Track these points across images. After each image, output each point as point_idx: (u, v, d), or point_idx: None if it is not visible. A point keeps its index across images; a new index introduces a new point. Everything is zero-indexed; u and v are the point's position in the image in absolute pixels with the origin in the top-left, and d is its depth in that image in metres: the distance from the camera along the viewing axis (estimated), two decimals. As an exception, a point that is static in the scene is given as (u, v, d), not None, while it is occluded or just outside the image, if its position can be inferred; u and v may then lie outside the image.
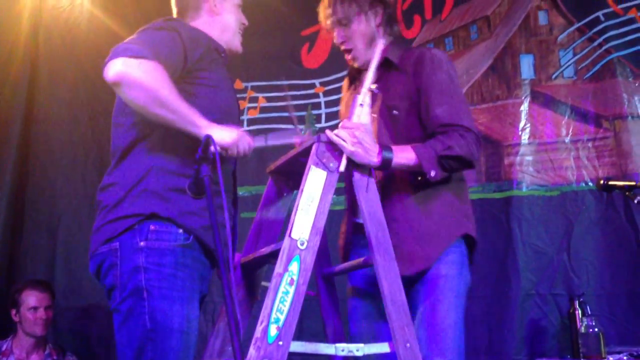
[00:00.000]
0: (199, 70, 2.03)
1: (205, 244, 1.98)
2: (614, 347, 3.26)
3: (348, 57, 2.34)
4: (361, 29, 2.28)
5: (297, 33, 4.17)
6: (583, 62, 3.78)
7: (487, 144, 3.79)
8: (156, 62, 1.87)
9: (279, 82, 4.10)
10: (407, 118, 2.19)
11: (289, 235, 1.83)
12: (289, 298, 1.78)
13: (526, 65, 3.86)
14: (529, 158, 3.75)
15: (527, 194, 3.72)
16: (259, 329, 1.76)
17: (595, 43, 3.76)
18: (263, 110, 4.16)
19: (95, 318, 3.93)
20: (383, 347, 1.91)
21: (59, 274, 4.04)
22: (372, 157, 2.00)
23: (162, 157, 1.98)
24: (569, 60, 3.81)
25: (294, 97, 4.10)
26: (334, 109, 3.99)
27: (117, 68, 1.85)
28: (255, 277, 2.24)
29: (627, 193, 2.59)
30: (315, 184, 1.89)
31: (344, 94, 2.53)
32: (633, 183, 2.62)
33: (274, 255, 1.89)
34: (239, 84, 4.12)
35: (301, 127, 4.07)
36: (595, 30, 3.77)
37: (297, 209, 1.86)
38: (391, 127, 2.18)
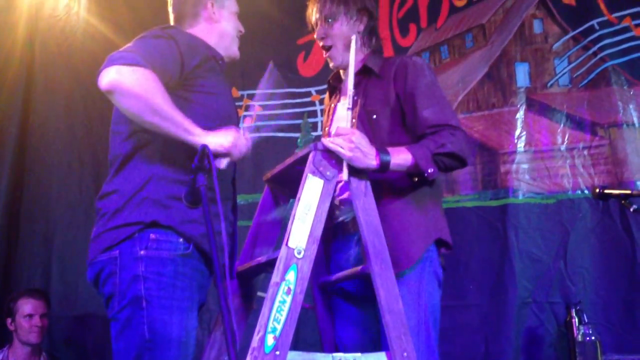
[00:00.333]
0: (197, 78, 2.03)
1: (205, 252, 1.98)
2: (610, 355, 3.26)
3: (326, 55, 2.38)
4: (343, 30, 2.31)
5: (293, 42, 4.18)
6: (578, 70, 3.79)
7: (483, 152, 3.80)
8: (150, 70, 1.87)
9: (275, 91, 4.11)
10: (386, 123, 2.22)
11: (286, 244, 1.83)
12: (285, 307, 1.78)
13: (522, 74, 3.87)
14: (525, 166, 3.76)
15: (523, 201, 3.72)
16: (255, 338, 1.76)
17: (590, 51, 3.78)
18: (259, 118, 4.16)
19: (91, 327, 3.91)
20: (380, 357, 1.90)
21: (55, 283, 4.03)
22: (371, 160, 2.02)
23: (161, 165, 1.97)
24: (564, 69, 3.82)
25: (291, 106, 4.11)
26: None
27: (110, 76, 1.85)
28: (252, 285, 2.23)
29: (622, 201, 2.60)
30: (312, 193, 1.89)
31: (326, 105, 2.55)
32: (629, 191, 2.63)
33: (271, 264, 1.89)
34: (235, 93, 4.12)
35: (297, 135, 4.08)
36: (590, 38, 3.79)
37: (293, 218, 1.85)
38: (370, 132, 2.20)
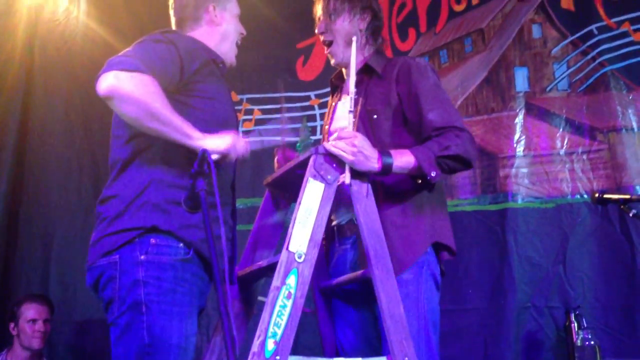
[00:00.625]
0: (196, 82, 2.02)
1: (205, 257, 1.97)
2: (610, 360, 3.27)
3: (327, 51, 2.38)
4: (345, 26, 2.31)
5: (293, 46, 4.19)
6: (577, 75, 3.80)
7: (482, 156, 3.80)
8: (149, 75, 1.87)
9: (274, 94, 4.11)
10: (387, 123, 2.21)
11: (287, 248, 1.82)
12: (286, 312, 1.78)
13: (520, 78, 3.88)
14: (524, 170, 3.76)
15: (523, 206, 3.73)
16: (256, 343, 1.75)
17: (589, 56, 3.79)
18: (258, 122, 4.17)
19: (90, 332, 3.90)
20: (381, 361, 1.90)
21: (54, 287, 4.02)
22: (373, 163, 2.01)
23: (161, 169, 1.97)
24: (563, 73, 3.83)
25: (289, 110, 4.11)
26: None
27: (108, 81, 1.85)
28: (252, 290, 2.22)
29: (622, 206, 2.60)
30: (312, 196, 1.88)
31: (329, 104, 2.55)
32: (628, 196, 2.63)
33: (271, 268, 1.88)
34: (234, 96, 4.12)
35: (296, 139, 4.08)
36: (588, 43, 3.80)
37: (294, 222, 1.85)
38: (371, 132, 2.20)
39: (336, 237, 2.31)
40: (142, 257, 1.91)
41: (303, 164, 1.97)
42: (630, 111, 3.68)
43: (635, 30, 3.74)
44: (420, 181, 2.13)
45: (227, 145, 1.93)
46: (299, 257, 1.82)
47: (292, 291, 1.79)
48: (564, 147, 3.74)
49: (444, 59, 4.04)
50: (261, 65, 4.13)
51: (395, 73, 2.25)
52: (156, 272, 1.90)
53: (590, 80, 3.77)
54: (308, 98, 4.15)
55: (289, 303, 1.78)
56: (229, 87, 2.21)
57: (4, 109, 4.19)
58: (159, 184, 1.96)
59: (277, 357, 1.75)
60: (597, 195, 2.60)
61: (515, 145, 3.80)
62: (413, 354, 1.86)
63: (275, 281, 1.80)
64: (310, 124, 4.12)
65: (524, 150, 3.79)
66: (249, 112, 4.20)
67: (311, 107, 4.14)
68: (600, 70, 3.75)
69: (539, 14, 3.90)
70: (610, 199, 2.59)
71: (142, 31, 2.24)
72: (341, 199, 2.00)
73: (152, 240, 1.92)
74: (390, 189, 2.17)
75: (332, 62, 2.39)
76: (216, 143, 1.90)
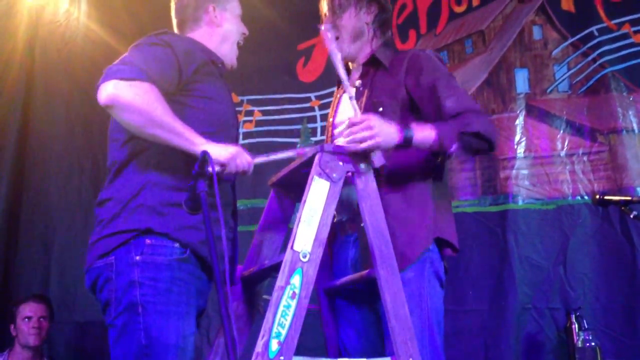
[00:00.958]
0: (195, 83, 2.02)
1: (203, 257, 1.97)
2: (610, 361, 3.27)
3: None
4: (351, 21, 2.30)
5: (293, 47, 4.19)
6: (577, 76, 3.80)
7: (482, 158, 3.80)
8: (148, 82, 1.87)
9: (275, 96, 4.11)
10: (394, 117, 2.17)
11: (291, 248, 1.81)
12: (290, 312, 1.77)
13: (521, 80, 3.88)
14: (525, 172, 3.77)
15: (523, 207, 3.73)
16: (260, 343, 1.74)
17: (590, 58, 3.80)
18: (259, 123, 4.16)
19: (91, 332, 3.90)
20: (385, 362, 1.89)
21: (54, 288, 4.02)
22: (394, 136, 2.01)
23: (158, 171, 1.97)
24: (563, 75, 3.83)
25: (290, 111, 4.11)
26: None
27: (108, 91, 1.85)
28: (256, 291, 2.21)
29: (622, 208, 2.61)
30: (318, 195, 1.87)
31: (334, 97, 2.55)
32: (629, 198, 2.64)
33: (276, 268, 1.88)
34: (235, 98, 4.12)
35: (296, 140, 4.08)
36: (589, 45, 3.80)
37: (299, 221, 1.84)
38: None
39: (338, 235, 2.30)
40: (138, 257, 1.91)
41: (308, 163, 1.96)
42: (630, 112, 3.69)
43: (636, 32, 3.74)
44: (439, 159, 2.11)
45: (228, 156, 1.91)
46: (304, 257, 1.81)
47: (297, 291, 1.78)
48: (565, 149, 3.74)
49: (445, 61, 4.03)
50: (262, 67, 4.13)
51: (404, 66, 2.23)
52: (152, 272, 1.90)
53: (591, 82, 3.77)
54: (308, 99, 4.14)
55: (294, 303, 1.77)
56: (229, 87, 2.20)
57: (4, 110, 4.19)
58: (154, 186, 1.96)
59: (281, 358, 1.74)
60: (597, 196, 2.61)
61: (515, 146, 3.80)
62: (418, 354, 1.86)
63: (280, 281, 1.79)
64: (311, 125, 4.12)
65: (524, 152, 3.79)
66: (250, 113, 4.19)
67: (311, 109, 4.14)
68: (600, 72, 3.76)
69: (540, 16, 3.91)
70: (610, 200, 2.60)
71: (142, 32, 2.24)
72: (343, 195, 1.99)
73: (148, 241, 1.92)
74: (394, 183, 2.15)
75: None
76: (218, 151, 1.88)
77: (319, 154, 1.92)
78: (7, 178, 4.11)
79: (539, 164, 3.77)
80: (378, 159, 1.97)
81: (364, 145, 1.95)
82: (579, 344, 3.27)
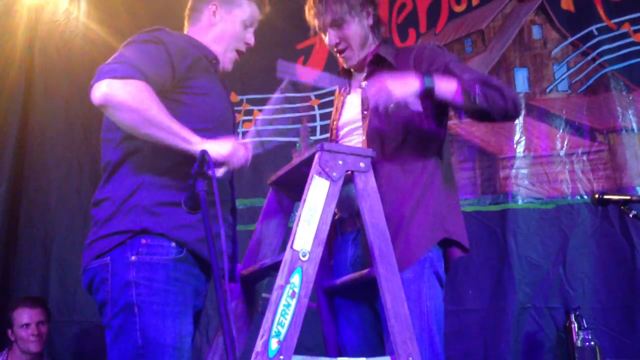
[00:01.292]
0: (189, 79, 2.01)
1: (201, 256, 1.96)
2: (610, 361, 3.27)
3: (341, 57, 2.35)
4: (355, 29, 2.29)
5: (292, 46, 4.18)
6: (577, 76, 3.81)
7: (482, 157, 3.81)
8: (142, 81, 1.86)
9: (274, 95, 4.10)
10: (404, 111, 2.15)
11: (291, 247, 1.81)
12: (290, 311, 1.77)
13: (520, 79, 3.88)
14: (524, 171, 3.77)
15: (523, 206, 3.73)
16: (259, 342, 1.74)
17: (589, 57, 3.80)
18: (258, 123, 4.15)
19: (90, 333, 3.89)
20: (385, 361, 1.89)
21: (54, 290, 4.00)
22: (413, 84, 2.02)
23: (152, 171, 1.96)
24: (563, 74, 3.83)
25: (289, 110, 4.10)
26: (329, 121, 3.99)
27: (102, 90, 1.84)
28: (255, 290, 2.21)
29: (622, 207, 2.61)
30: (317, 194, 1.87)
31: (335, 100, 2.54)
32: (628, 197, 2.65)
33: (275, 267, 1.88)
34: (234, 97, 4.12)
35: (296, 139, 4.08)
36: (589, 44, 3.81)
37: (299, 220, 1.84)
38: (385, 122, 2.17)
39: (338, 232, 2.30)
40: (133, 258, 1.90)
41: (308, 162, 1.95)
42: (630, 112, 3.69)
43: (636, 31, 3.75)
44: (461, 111, 2.13)
45: (228, 152, 1.91)
46: (304, 256, 1.81)
47: (296, 290, 1.78)
48: (564, 148, 3.75)
49: (445, 60, 4.05)
50: (261, 66, 4.11)
51: (412, 60, 2.22)
52: (147, 272, 1.90)
53: (591, 81, 3.78)
54: (308, 99, 4.14)
55: (293, 302, 1.77)
56: (225, 84, 2.20)
57: (4, 109, 4.18)
58: (149, 186, 1.95)
59: (281, 357, 1.74)
60: (597, 196, 2.61)
61: (515, 146, 3.81)
62: (417, 354, 1.85)
63: (279, 280, 1.78)
64: (310, 124, 4.12)
65: (524, 151, 3.79)
66: (249, 112, 4.19)
67: (311, 108, 4.14)
68: (600, 71, 3.76)
69: (539, 15, 3.91)
70: (610, 199, 2.60)
71: (141, 32, 2.23)
72: (343, 194, 1.99)
73: (143, 241, 1.91)
74: (397, 181, 2.15)
75: (346, 65, 2.36)
76: (216, 149, 1.88)
77: (319, 152, 1.92)
78: (6, 177, 4.09)
79: (539, 163, 3.77)
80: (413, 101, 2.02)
81: (382, 106, 1.99)
82: (579, 344, 3.27)
